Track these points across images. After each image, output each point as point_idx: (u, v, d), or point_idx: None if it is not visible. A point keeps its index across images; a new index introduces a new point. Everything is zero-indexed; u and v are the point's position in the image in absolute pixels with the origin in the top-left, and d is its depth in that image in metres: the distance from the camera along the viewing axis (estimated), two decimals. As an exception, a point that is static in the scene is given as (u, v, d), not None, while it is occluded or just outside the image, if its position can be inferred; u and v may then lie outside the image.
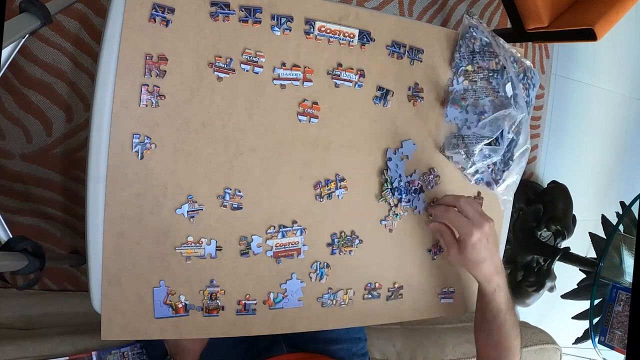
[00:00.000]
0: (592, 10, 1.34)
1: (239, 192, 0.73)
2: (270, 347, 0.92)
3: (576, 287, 1.83)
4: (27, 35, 0.69)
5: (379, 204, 0.84)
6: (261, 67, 0.72)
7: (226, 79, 0.70)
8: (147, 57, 0.66)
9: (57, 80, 1.23)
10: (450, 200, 0.80)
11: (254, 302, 0.76)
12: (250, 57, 0.71)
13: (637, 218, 1.66)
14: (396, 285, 0.87)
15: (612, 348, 1.52)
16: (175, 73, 0.68)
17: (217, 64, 0.70)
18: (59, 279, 1.28)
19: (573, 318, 1.79)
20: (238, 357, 0.93)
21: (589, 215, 2.22)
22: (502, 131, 0.83)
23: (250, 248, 0.75)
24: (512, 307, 0.81)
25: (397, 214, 0.85)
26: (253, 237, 0.75)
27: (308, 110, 0.76)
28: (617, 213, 1.75)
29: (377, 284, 0.86)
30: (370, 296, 0.85)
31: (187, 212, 0.70)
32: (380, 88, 0.81)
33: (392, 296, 0.87)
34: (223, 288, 0.74)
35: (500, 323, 0.79)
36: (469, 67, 0.86)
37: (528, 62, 0.88)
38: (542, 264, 1.88)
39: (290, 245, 0.77)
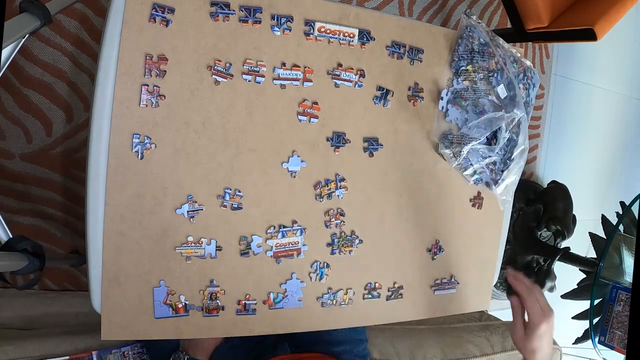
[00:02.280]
0: (592, 10, 1.34)
1: (239, 192, 0.73)
2: (275, 346, 0.92)
3: (576, 287, 1.82)
4: (27, 35, 0.69)
5: (379, 204, 0.84)
6: (262, 76, 0.72)
7: (224, 82, 0.70)
8: (147, 57, 0.66)
9: (57, 80, 1.23)
10: (529, 283, 0.81)
11: (254, 302, 0.76)
12: (251, 67, 0.72)
13: (637, 218, 1.66)
14: (396, 285, 0.87)
15: (612, 348, 1.52)
16: (175, 73, 0.68)
17: (216, 67, 0.70)
18: (59, 279, 1.28)
19: (573, 318, 1.79)
20: (247, 357, 0.93)
21: (589, 215, 2.22)
22: (496, 131, 0.83)
23: (250, 248, 0.75)
24: None
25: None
26: (253, 237, 0.75)
27: (308, 110, 0.76)
28: (617, 213, 1.75)
29: (377, 284, 0.86)
30: (370, 296, 0.85)
31: (187, 212, 0.70)
32: (380, 88, 0.81)
33: (392, 296, 0.87)
34: (223, 288, 0.74)
35: None
36: (469, 67, 0.86)
37: (528, 62, 0.88)
38: (542, 264, 1.88)
39: (290, 245, 0.77)
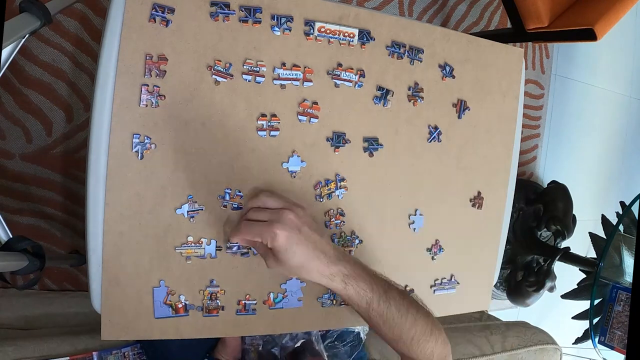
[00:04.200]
0: (592, 10, 1.34)
1: (239, 192, 0.73)
2: None
3: (576, 287, 1.83)
4: (27, 35, 0.69)
5: (379, 204, 0.84)
6: (262, 76, 0.72)
7: (224, 82, 0.70)
8: (147, 57, 0.66)
9: (57, 80, 1.23)
10: (240, 217, 0.67)
11: (254, 302, 0.76)
12: (251, 67, 0.72)
13: (637, 218, 1.66)
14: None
15: (612, 348, 1.53)
16: (175, 73, 0.68)
17: (216, 67, 0.70)
18: (59, 279, 1.28)
19: (573, 318, 1.79)
20: None
21: (589, 215, 2.23)
22: None
23: (250, 248, 0.75)
24: (385, 288, 0.65)
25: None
26: (253, 237, 0.75)
27: (308, 110, 0.76)
28: (617, 213, 1.75)
29: (377, 284, 0.86)
30: (370, 296, 0.85)
31: (187, 212, 0.70)
32: (380, 88, 0.81)
33: (392, 296, 0.87)
34: (223, 288, 0.74)
35: (380, 317, 0.63)
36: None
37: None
38: (542, 264, 1.88)
39: (290, 245, 0.77)
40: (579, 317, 1.77)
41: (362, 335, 0.99)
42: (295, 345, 0.89)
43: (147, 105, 0.67)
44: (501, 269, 1.02)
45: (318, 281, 0.62)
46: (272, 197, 0.64)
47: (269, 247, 0.61)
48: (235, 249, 0.74)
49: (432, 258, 0.90)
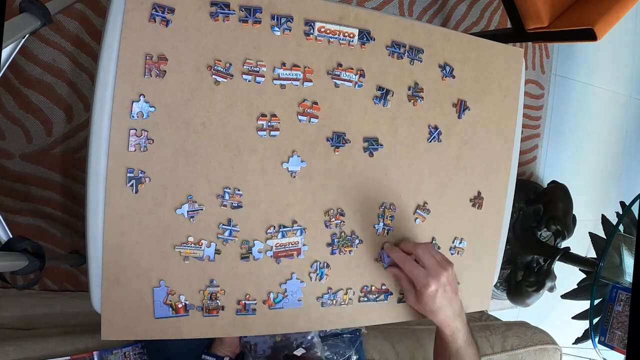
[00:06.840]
0: (592, 10, 1.34)
1: (238, 190, 0.73)
2: None
3: (576, 287, 1.83)
4: (27, 35, 0.69)
5: (379, 204, 0.84)
6: (262, 76, 0.72)
7: (224, 82, 0.70)
8: (147, 57, 0.66)
9: (57, 80, 1.23)
10: (408, 247, 0.81)
11: (254, 302, 0.76)
12: (251, 67, 0.71)
13: (637, 218, 1.66)
14: (396, 285, 0.87)
15: (612, 348, 1.52)
16: (175, 73, 0.68)
17: (216, 67, 0.70)
18: (59, 279, 1.28)
19: (573, 318, 1.79)
20: None
21: (589, 215, 2.23)
22: None
23: (251, 252, 0.75)
24: (471, 344, 0.81)
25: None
26: (255, 242, 0.75)
27: (308, 110, 0.76)
28: (617, 213, 1.75)
29: (377, 284, 0.85)
30: (369, 296, 0.85)
31: (187, 212, 0.70)
32: (380, 88, 0.81)
33: (392, 296, 0.87)
34: (223, 288, 0.74)
35: (457, 357, 0.80)
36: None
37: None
38: (542, 264, 1.88)
39: (290, 245, 0.77)
40: (579, 317, 1.77)
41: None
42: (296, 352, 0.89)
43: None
44: (501, 269, 1.02)
45: (439, 324, 0.79)
46: (434, 252, 0.79)
47: (419, 285, 0.76)
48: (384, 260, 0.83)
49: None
